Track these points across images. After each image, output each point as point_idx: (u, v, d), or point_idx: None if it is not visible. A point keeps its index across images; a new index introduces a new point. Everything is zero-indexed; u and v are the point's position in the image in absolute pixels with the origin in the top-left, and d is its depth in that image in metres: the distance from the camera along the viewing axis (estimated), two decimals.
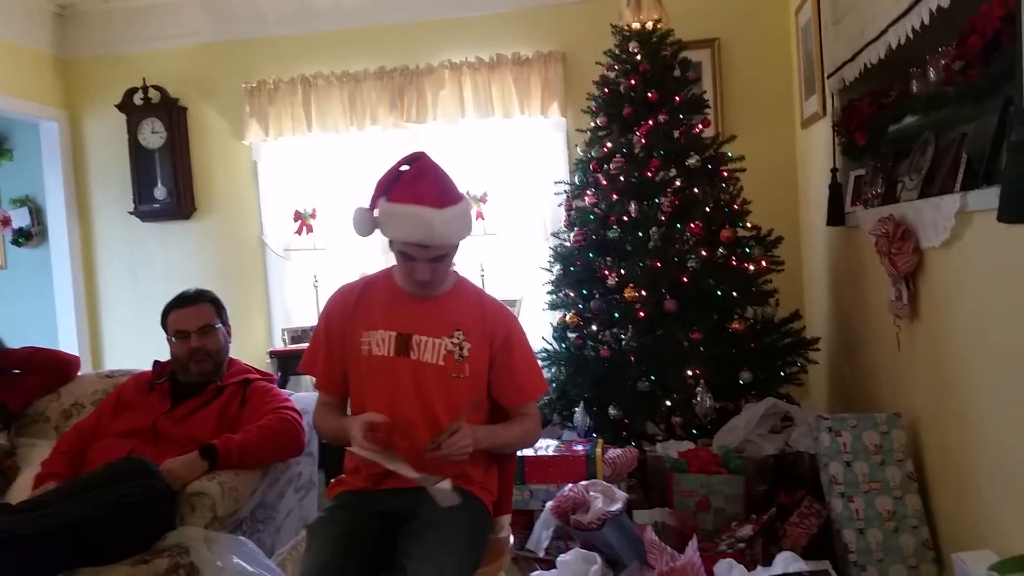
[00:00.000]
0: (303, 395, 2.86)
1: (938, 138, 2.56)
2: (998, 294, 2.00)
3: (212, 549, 2.21)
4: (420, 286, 2.06)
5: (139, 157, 5.00)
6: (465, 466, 2.05)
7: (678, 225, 3.40)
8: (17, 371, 2.97)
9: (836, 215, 3.34)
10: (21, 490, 2.59)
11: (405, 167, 2.03)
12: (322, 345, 2.15)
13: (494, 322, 2.12)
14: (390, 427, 1.95)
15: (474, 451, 1.98)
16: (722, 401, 3.34)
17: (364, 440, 1.91)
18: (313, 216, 4.79)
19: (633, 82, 3.60)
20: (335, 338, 2.13)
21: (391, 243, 2.05)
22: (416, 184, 1.98)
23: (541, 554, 2.76)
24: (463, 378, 2.05)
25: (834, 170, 3.35)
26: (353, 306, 2.13)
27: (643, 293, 3.35)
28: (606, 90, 3.72)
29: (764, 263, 3.49)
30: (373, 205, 2.03)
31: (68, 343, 4.98)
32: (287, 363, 4.43)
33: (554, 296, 3.82)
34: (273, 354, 4.57)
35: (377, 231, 2.03)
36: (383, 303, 2.12)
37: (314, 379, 2.23)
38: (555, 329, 3.82)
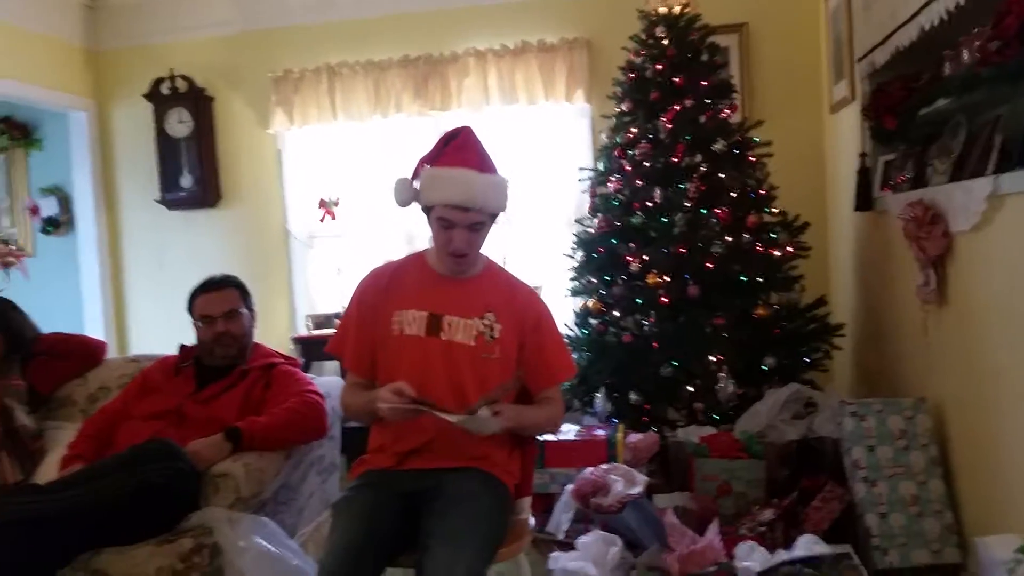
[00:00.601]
0: (327, 379, 2.88)
1: (970, 121, 2.51)
2: None
3: (235, 529, 2.23)
4: (455, 260, 2.06)
5: (166, 146, 5.04)
6: (488, 448, 2.06)
7: (703, 211, 3.37)
8: (47, 355, 3.01)
9: (864, 200, 3.30)
10: (48, 472, 2.63)
11: (450, 139, 2.08)
12: (353, 325, 2.17)
13: (524, 305, 2.14)
14: (418, 394, 1.95)
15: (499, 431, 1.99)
16: (744, 387, 3.31)
17: (393, 399, 1.91)
18: (337, 204, 4.82)
19: (659, 67, 3.56)
20: (366, 318, 2.14)
21: (429, 216, 2.06)
22: (461, 151, 2.05)
23: (561, 536, 2.76)
24: (494, 359, 2.06)
25: (863, 155, 3.31)
26: (385, 287, 2.15)
27: (666, 279, 3.33)
28: (632, 75, 3.69)
29: (790, 249, 3.45)
30: (415, 175, 2.07)
31: (94, 329, 5.05)
32: (310, 349, 4.46)
33: (577, 283, 3.80)
34: (297, 340, 4.60)
35: (412, 207, 2.08)
36: (415, 284, 2.13)
37: (341, 361, 2.24)
38: (577, 315, 3.80)
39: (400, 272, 2.18)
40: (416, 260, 2.21)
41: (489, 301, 2.10)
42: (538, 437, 2.40)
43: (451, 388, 2.04)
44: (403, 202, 2.10)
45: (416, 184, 2.06)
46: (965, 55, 2.45)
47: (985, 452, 2.27)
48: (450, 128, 2.14)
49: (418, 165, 2.08)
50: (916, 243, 2.52)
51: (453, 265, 2.09)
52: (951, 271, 2.45)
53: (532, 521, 2.22)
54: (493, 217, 2.09)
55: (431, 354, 2.05)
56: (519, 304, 2.13)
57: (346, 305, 2.27)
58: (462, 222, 2.01)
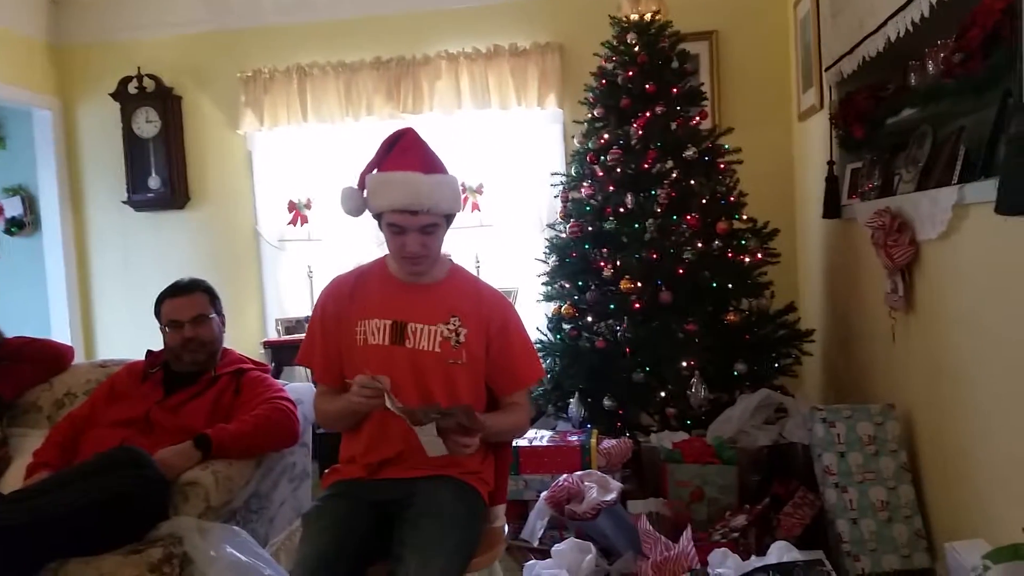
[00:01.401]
0: (297, 385, 2.85)
1: (936, 131, 2.56)
2: (994, 286, 2.01)
3: (205, 539, 2.19)
4: (412, 263, 2.04)
5: (133, 146, 4.97)
6: (466, 460, 2.05)
7: (674, 217, 3.39)
8: (11, 360, 2.95)
9: (832, 208, 3.34)
10: (13, 480, 2.57)
11: (393, 143, 2.06)
12: (318, 336, 2.14)
13: (490, 308, 2.11)
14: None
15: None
16: (716, 392, 3.35)
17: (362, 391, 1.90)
18: (308, 207, 4.79)
19: (631, 73, 3.59)
20: (330, 329, 2.11)
21: (380, 222, 2.04)
22: (404, 154, 2.02)
23: (535, 544, 2.76)
24: (460, 364, 2.04)
25: (831, 163, 3.35)
26: (348, 296, 2.12)
27: (639, 284, 3.35)
28: (603, 81, 3.71)
29: (760, 255, 3.49)
30: (362, 184, 2.05)
31: (60, 332, 4.96)
32: (281, 353, 4.42)
33: (549, 287, 3.81)
34: (267, 344, 4.56)
35: (366, 213, 2.06)
36: (377, 292, 2.11)
37: (310, 372, 2.22)
38: (550, 320, 3.81)
39: (362, 280, 2.15)
40: (378, 267, 2.18)
41: (454, 306, 2.07)
42: (512, 443, 2.39)
43: (419, 396, 2.02)
44: (352, 211, 2.08)
45: (364, 193, 2.04)
46: (930, 66, 2.49)
47: (953, 458, 2.31)
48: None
49: (363, 172, 2.06)
50: (884, 251, 2.56)
51: (410, 269, 2.07)
52: (918, 278, 2.49)
53: (507, 529, 2.21)
54: (446, 218, 2.06)
55: (396, 363, 2.03)
56: (485, 308, 2.10)
57: (311, 315, 2.25)
58: (413, 225, 1.98)
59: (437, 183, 2.00)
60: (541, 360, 3.75)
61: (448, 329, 2.04)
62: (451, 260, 2.22)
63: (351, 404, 1.95)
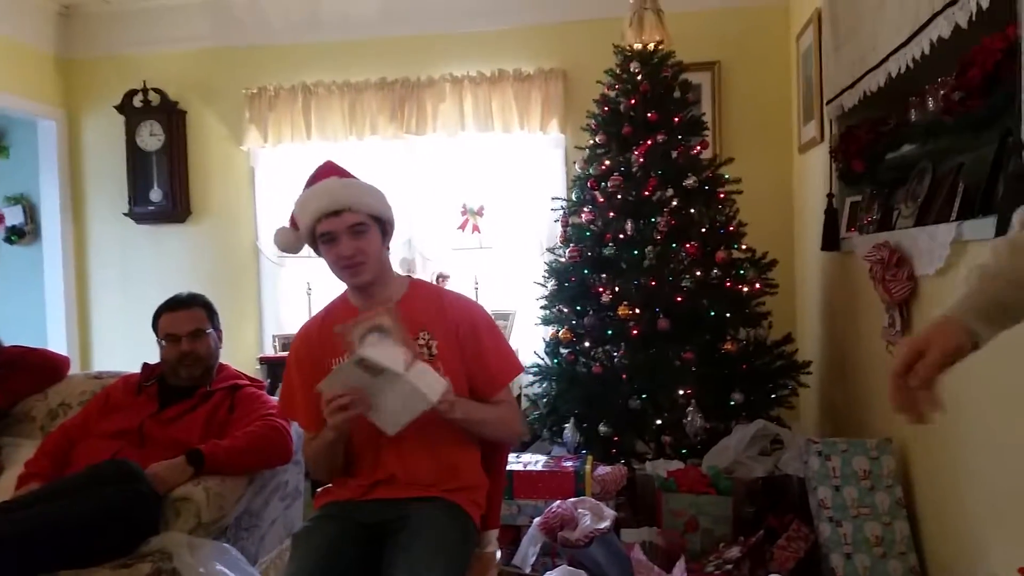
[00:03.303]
0: None
1: (935, 167, 2.57)
2: None
3: (195, 555, 2.18)
4: (351, 272, 2.02)
5: (136, 159, 5.00)
6: (459, 473, 2.04)
7: (674, 245, 3.40)
8: (6, 369, 2.94)
9: (831, 240, 3.35)
10: (3, 490, 2.56)
11: (313, 174, 2.13)
12: (296, 385, 2.13)
13: (456, 313, 2.08)
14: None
15: (455, 447, 2.00)
16: (712, 422, 3.34)
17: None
18: None
19: (633, 102, 3.62)
20: (307, 375, 2.09)
21: (317, 248, 2.05)
22: (321, 174, 2.10)
23: (527, 570, 2.74)
24: None
25: (830, 195, 3.37)
26: (317, 339, 2.12)
27: (637, 311, 3.35)
28: (606, 109, 3.73)
29: (758, 285, 3.50)
30: (294, 224, 2.09)
31: (57, 342, 4.95)
32: (277, 370, 4.41)
33: (548, 311, 3.81)
34: (263, 360, 4.56)
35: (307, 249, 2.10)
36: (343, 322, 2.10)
37: (298, 423, 2.21)
38: (548, 344, 3.81)
39: (328, 320, 2.13)
40: (340, 302, 2.18)
41: (419, 320, 2.05)
42: (507, 467, 2.38)
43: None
44: (287, 248, 2.12)
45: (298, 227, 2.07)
46: (930, 103, 2.52)
47: (949, 494, 2.30)
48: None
49: (292, 212, 2.09)
50: (882, 285, 2.56)
51: (352, 280, 2.05)
52: (916, 313, 2.50)
53: (499, 554, 2.20)
54: (377, 221, 2.05)
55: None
56: (450, 315, 2.07)
57: (285, 367, 2.23)
58: (340, 227, 1.99)
59: (355, 184, 2.07)
60: (536, 387, 3.79)
61: (419, 344, 2.02)
62: (410, 276, 2.22)
63: (329, 429, 1.92)
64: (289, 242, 2.12)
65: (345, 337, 1.89)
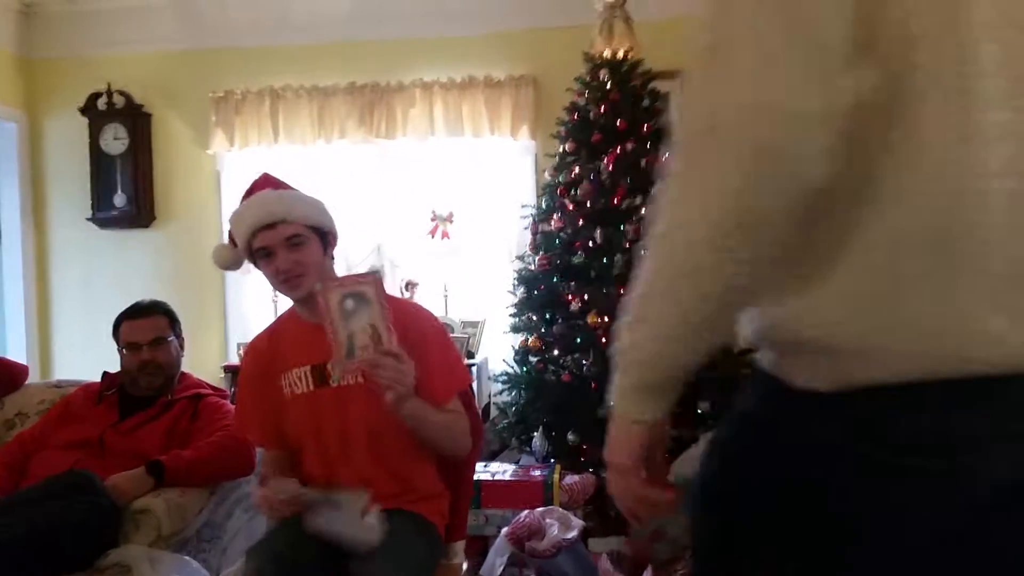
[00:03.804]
0: None
1: None
2: None
3: (156, 568, 2.14)
4: (289, 285, 1.98)
5: (100, 163, 4.90)
6: (416, 484, 2.02)
7: (643, 253, 3.40)
8: None
9: None
10: None
11: (249, 188, 2.09)
12: (248, 402, 2.12)
13: (405, 322, 2.00)
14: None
15: (411, 456, 1.99)
16: (679, 430, 3.34)
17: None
18: None
19: (602, 109, 3.63)
20: (259, 392, 2.08)
21: (257, 264, 2.02)
22: (255, 187, 2.06)
23: None
24: None
25: None
26: (266, 353, 2.09)
27: (606, 319, 3.36)
28: (575, 116, 3.74)
29: None
30: (233, 241, 2.06)
31: (16, 350, 4.84)
32: None
33: (517, 319, 3.80)
34: (228, 369, 4.50)
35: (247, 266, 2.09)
36: (292, 342, 2.06)
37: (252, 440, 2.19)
38: (516, 352, 3.80)
39: (276, 335, 2.12)
40: (288, 316, 2.14)
41: None
42: (473, 477, 2.35)
43: (340, 437, 1.98)
44: (225, 264, 2.11)
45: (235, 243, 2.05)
46: None
47: None
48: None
49: (230, 230, 2.07)
50: None
51: (291, 293, 2.01)
52: None
53: (465, 565, 2.18)
54: (315, 231, 2.01)
55: (321, 408, 1.99)
56: (400, 323, 1.96)
57: (237, 384, 2.22)
58: (276, 241, 1.94)
59: (289, 195, 2.03)
60: (504, 396, 3.76)
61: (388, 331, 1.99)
62: None
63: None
64: (228, 259, 2.09)
65: (322, 296, 1.81)
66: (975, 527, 0.75)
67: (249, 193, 2.07)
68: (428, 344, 2.03)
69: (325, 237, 2.05)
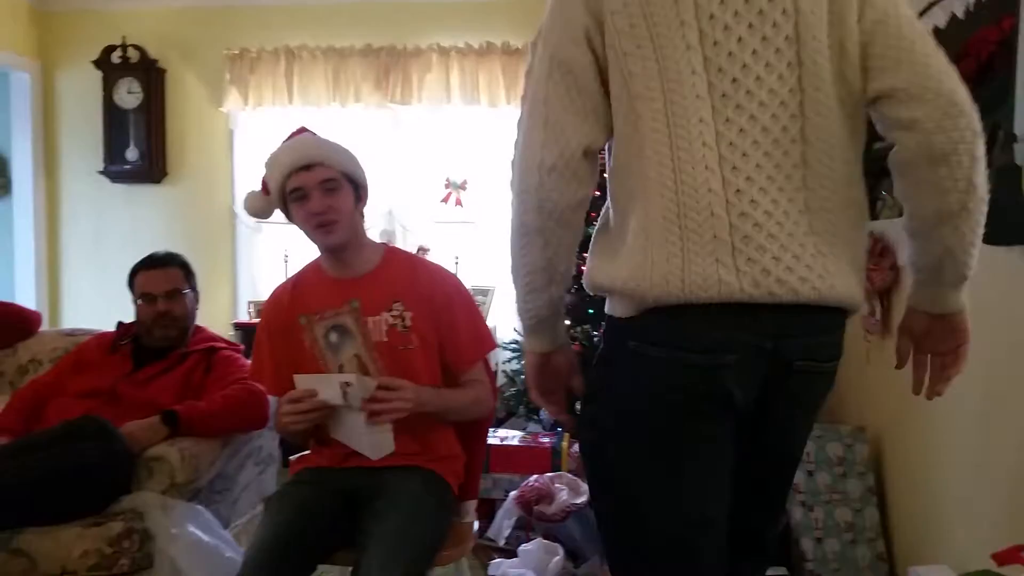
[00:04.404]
0: None
1: None
2: (974, 317, 2.03)
3: (168, 516, 2.17)
4: (323, 230, 1.97)
5: (113, 116, 4.88)
6: (434, 445, 2.03)
7: None
8: None
9: None
10: None
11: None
12: (265, 351, 2.12)
13: (430, 283, 2.05)
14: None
15: (431, 422, 1.99)
16: None
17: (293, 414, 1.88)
18: None
19: None
20: (277, 340, 2.08)
21: (291, 214, 2.02)
22: (293, 135, 2.07)
23: (501, 543, 2.75)
24: (412, 348, 1.99)
25: None
26: (288, 303, 2.08)
27: None
28: None
29: None
30: (265, 189, 2.04)
31: (26, 300, 4.84)
32: (251, 336, 4.32)
33: None
34: (238, 326, 4.50)
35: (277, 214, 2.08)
36: (316, 293, 2.06)
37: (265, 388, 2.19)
38: None
39: (300, 284, 2.11)
40: (312, 268, 2.14)
41: (394, 290, 2.01)
42: (487, 439, 2.37)
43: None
44: (256, 211, 2.09)
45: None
46: None
47: (920, 483, 2.34)
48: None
49: (264, 176, 2.05)
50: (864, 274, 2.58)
51: (325, 240, 1.99)
52: (897, 304, 2.52)
53: (476, 525, 2.20)
54: (349, 180, 2.01)
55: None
56: (424, 285, 2.03)
57: (256, 332, 2.21)
58: (311, 183, 1.94)
59: (328, 142, 2.03)
60: (514, 364, 3.78)
61: (392, 316, 1.99)
62: (386, 244, 2.19)
63: (281, 425, 1.92)
64: (259, 206, 2.07)
65: (307, 332, 1.91)
66: (665, 381, 1.25)
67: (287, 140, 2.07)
68: (454, 308, 2.05)
69: (358, 190, 2.05)
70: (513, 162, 1.30)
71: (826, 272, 1.23)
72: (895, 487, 2.54)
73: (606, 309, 1.35)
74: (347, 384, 1.80)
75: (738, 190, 1.20)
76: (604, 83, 1.27)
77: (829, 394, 1.42)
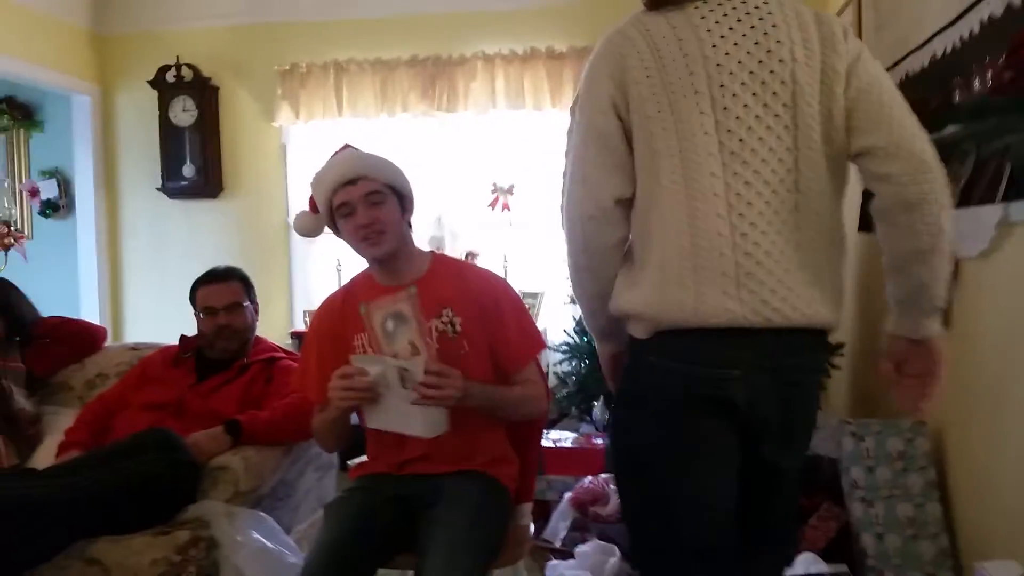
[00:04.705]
0: None
1: (979, 149, 2.53)
2: None
3: (232, 524, 2.22)
4: (370, 243, 1.99)
5: (169, 134, 5.02)
6: (487, 447, 2.06)
7: None
8: (46, 339, 2.99)
9: (868, 221, 3.31)
10: (44, 457, 2.61)
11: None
12: (313, 360, 2.12)
13: (479, 289, 2.06)
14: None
15: (482, 424, 2.01)
16: None
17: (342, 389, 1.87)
18: None
19: None
20: (326, 350, 2.09)
21: (339, 229, 2.05)
22: (337, 152, 2.11)
23: (558, 544, 2.76)
24: (464, 354, 2.00)
25: None
26: (339, 314, 2.11)
27: None
28: None
29: None
30: (314, 208, 2.09)
31: (90, 315, 5.01)
32: None
33: None
34: (295, 335, 4.59)
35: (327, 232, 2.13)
36: (368, 297, 2.09)
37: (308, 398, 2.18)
38: (577, 323, 3.81)
39: (351, 294, 2.12)
40: (362, 279, 2.16)
41: (442, 297, 2.03)
42: (541, 441, 2.38)
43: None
44: (306, 231, 2.13)
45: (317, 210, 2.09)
46: (976, 83, 2.47)
47: (983, 477, 2.29)
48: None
49: (311, 196, 2.10)
50: None
51: (372, 252, 2.02)
52: (955, 296, 2.47)
53: (532, 528, 2.21)
54: (395, 192, 2.03)
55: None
56: (473, 290, 2.05)
57: (304, 341, 2.24)
58: (356, 196, 1.96)
59: (372, 156, 2.07)
60: (564, 366, 3.78)
61: (442, 322, 2.01)
62: (434, 252, 2.21)
63: (332, 402, 1.91)
64: (309, 225, 2.12)
65: (367, 321, 1.89)
66: (683, 397, 1.47)
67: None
68: (504, 310, 2.07)
69: (403, 201, 2.08)
70: (561, 208, 1.55)
71: (812, 300, 1.46)
72: (958, 481, 2.49)
73: (627, 330, 1.56)
74: (404, 369, 1.81)
75: (743, 233, 1.41)
76: (629, 142, 1.49)
77: (818, 401, 1.74)
